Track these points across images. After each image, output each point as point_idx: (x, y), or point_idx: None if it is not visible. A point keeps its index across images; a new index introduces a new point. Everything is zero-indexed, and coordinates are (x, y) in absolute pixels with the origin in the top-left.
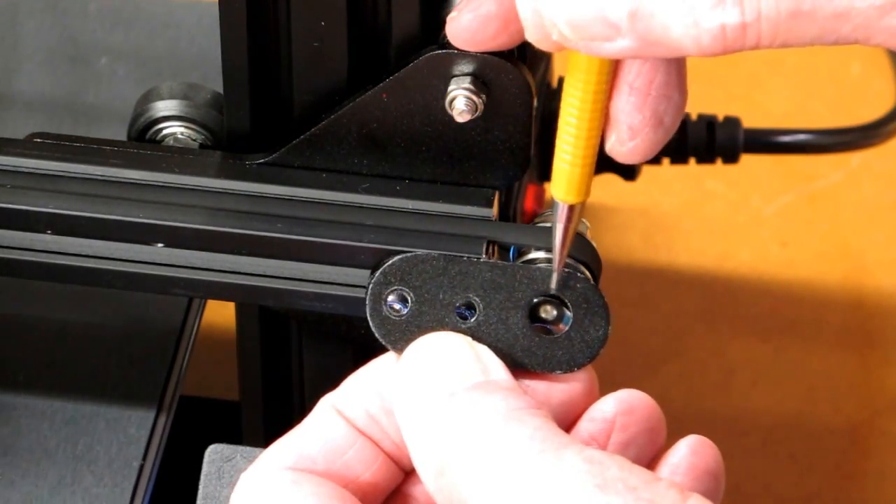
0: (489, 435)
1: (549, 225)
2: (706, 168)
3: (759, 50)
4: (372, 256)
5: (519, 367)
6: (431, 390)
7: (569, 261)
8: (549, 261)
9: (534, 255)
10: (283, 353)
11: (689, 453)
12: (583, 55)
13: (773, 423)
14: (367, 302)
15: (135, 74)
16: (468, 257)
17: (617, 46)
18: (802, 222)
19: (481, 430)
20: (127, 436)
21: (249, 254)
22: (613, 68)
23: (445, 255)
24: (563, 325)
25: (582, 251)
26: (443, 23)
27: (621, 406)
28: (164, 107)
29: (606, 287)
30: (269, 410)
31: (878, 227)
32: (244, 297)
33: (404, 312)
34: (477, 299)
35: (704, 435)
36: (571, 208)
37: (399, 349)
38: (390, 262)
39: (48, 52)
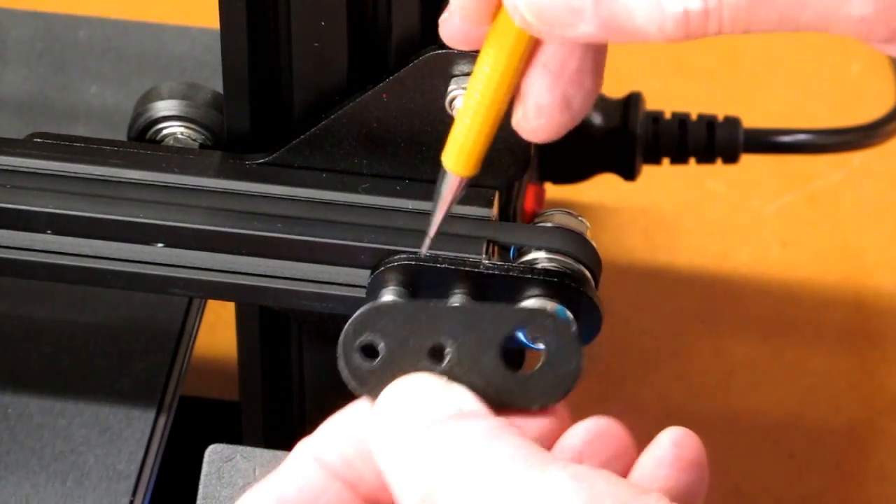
0: (471, 456)
1: (549, 225)
2: (706, 168)
3: (722, 35)
4: (372, 256)
5: (494, 406)
6: (408, 424)
7: (554, 308)
8: (548, 259)
9: (534, 255)
10: (283, 353)
11: (671, 445)
12: (508, 29)
13: (773, 423)
14: (338, 354)
15: (125, 101)
16: (434, 302)
17: (579, 32)
18: (802, 222)
19: (463, 453)
20: (126, 435)
21: (249, 254)
22: (532, 46)
23: (413, 302)
24: (541, 345)
25: (582, 251)
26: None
27: (587, 436)
28: (164, 107)
29: (606, 287)
30: (269, 410)
31: (878, 227)
32: (244, 297)
33: (376, 361)
34: (448, 341)
35: (704, 435)
36: (460, 181)
37: (374, 396)
38: (358, 312)
39: (38, 79)
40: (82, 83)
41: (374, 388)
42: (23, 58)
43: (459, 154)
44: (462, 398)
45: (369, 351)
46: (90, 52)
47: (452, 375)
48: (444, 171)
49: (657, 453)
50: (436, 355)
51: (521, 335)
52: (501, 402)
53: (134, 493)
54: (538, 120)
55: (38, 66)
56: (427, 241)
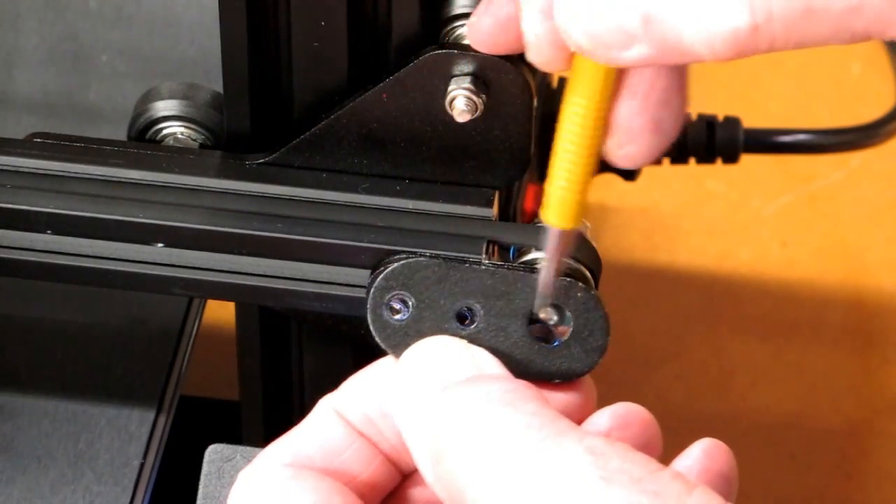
0: (485, 420)
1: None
2: (706, 168)
3: (775, 52)
4: (372, 256)
5: (517, 376)
6: (426, 385)
7: (570, 262)
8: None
9: (534, 255)
10: (283, 353)
11: (702, 456)
12: (588, 67)
13: (773, 423)
14: (367, 307)
15: (135, 72)
16: (469, 262)
17: (634, 53)
18: (802, 222)
19: (476, 416)
20: (127, 435)
21: (249, 254)
22: (618, 79)
23: (447, 260)
24: (565, 327)
25: (582, 251)
26: (443, 23)
27: (616, 421)
28: (164, 107)
29: (606, 287)
30: (269, 410)
31: (878, 227)
32: (244, 297)
33: (405, 318)
34: (477, 306)
35: (704, 435)
36: (565, 234)
37: (398, 354)
38: (391, 267)
39: (49, 50)
40: (93, 51)
41: (399, 345)
42: (34, 26)
43: (562, 210)
44: (484, 361)
45: (399, 306)
46: (101, 21)
47: (478, 340)
48: (549, 229)
49: (686, 462)
50: (463, 318)
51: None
52: (526, 372)
53: (134, 493)
54: (630, 146)
55: (50, 36)
56: (538, 301)
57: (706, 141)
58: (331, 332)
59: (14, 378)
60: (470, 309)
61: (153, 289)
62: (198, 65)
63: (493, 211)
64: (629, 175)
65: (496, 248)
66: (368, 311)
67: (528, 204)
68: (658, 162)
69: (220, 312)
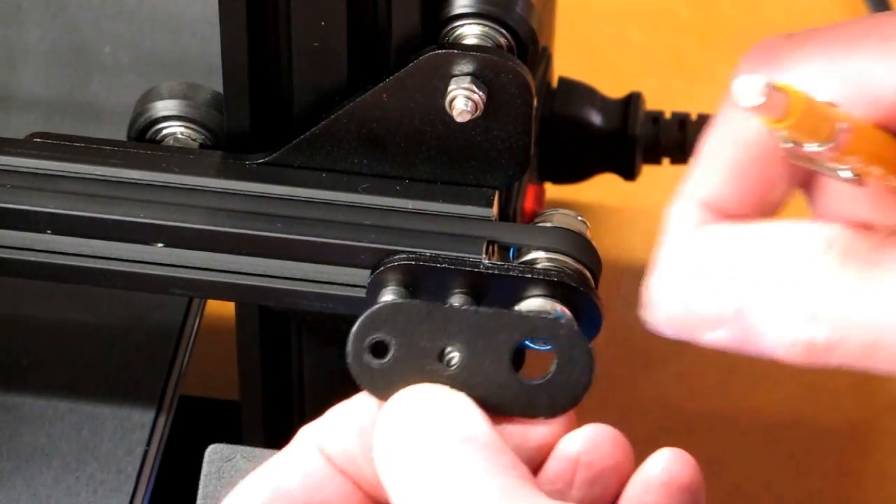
0: (460, 491)
1: (549, 225)
2: None
3: (846, 368)
4: (372, 256)
5: (501, 413)
6: (408, 444)
7: (553, 308)
8: (548, 259)
9: (533, 255)
10: (283, 353)
11: (661, 470)
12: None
13: (773, 423)
14: (348, 350)
15: (137, 67)
16: (450, 304)
17: (715, 336)
18: None
19: (453, 486)
20: (127, 435)
21: (249, 254)
22: None
23: (427, 302)
24: (547, 347)
25: (582, 251)
26: (443, 23)
27: (585, 444)
28: (164, 107)
29: (606, 287)
30: (269, 410)
31: None
32: (244, 297)
33: (386, 360)
34: (459, 346)
35: (704, 435)
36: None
37: (381, 396)
38: (371, 309)
39: (51, 44)
40: (96, 43)
41: (381, 387)
42: (36, 18)
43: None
44: (467, 418)
45: (379, 348)
46: (103, 13)
47: (460, 380)
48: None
49: (646, 476)
50: (445, 358)
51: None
52: (509, 409)
53: (134, 493)
54: None
55: (53, 27)
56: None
57: None
58: (331, 332)
59: (14, 378)
60: (452, 349)
61: (153, 289)
62: (197, 65)
63: (493, 211)
64: (629, 175)
65: (496, 248)
66: (349, 355)
67: (528, 204)
68: (658, 162)
69: (220, 312)
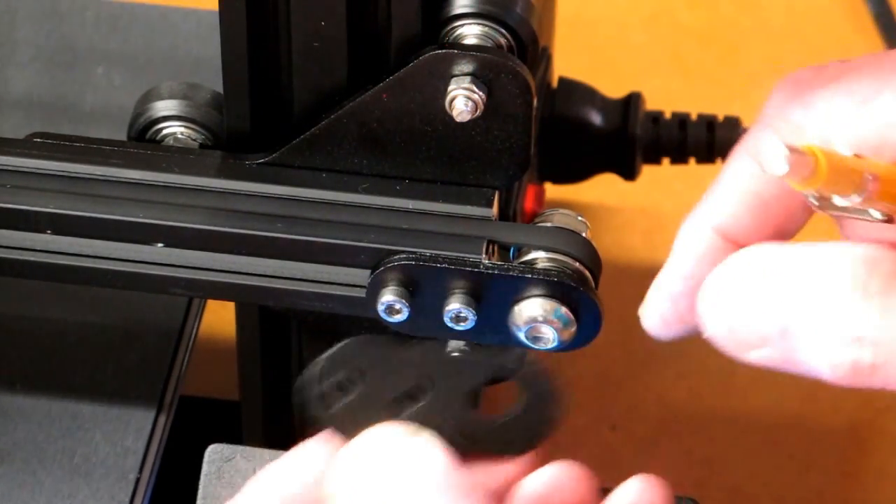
0: None
1: (549, 225)
2: (706, 168)
3: (888, 390)
4: (372, 256)
5: (465, 451)
6: (372, 491)
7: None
8: (548, 259)
9: (533, 254)
10: (283, 353)
11: (631, 501)
12: None
13: (773, 423)
14: (307, 385)
15: (131, 82)
16: (416, 341)
17: (759, 355)
18: None
19: None
20: (127, 435)
21: (249, 254)
22: None
23: (393, 340)
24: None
25: (582, 251)
26: (443, 23)
27: (546, 487)
28: (164, 107)
29: (606, 287)
30: (269, 410)
31: None
32: (244, 297)
33: (351, 396)
34: (424, 383)
35: (704, 435)
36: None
37: (345, 433)
38: (339, 345)
39: (45, 59)
40: (90, 63)
41: (345, 424)
42: (31, 37)
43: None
44: (431, 462)
45: (343, 385)
46: (97, 32)
47: (425, 417)
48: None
49: None
50: (411, 396)
51: (521, 335)
52: (475, 448)
53: (134, 493)
54: None
55: (46, 48)
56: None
57: (706, 141)
58: (331, 332)
59: (13, 377)
60: (417, 387)
61: (153, 289)
62: (194, 73)
63: (493, 211)
64: (629, 175)
65: (496, 248)
66: (306, 390)
67: (528, 204)
68: (658, 162)
69: (221, 312)
